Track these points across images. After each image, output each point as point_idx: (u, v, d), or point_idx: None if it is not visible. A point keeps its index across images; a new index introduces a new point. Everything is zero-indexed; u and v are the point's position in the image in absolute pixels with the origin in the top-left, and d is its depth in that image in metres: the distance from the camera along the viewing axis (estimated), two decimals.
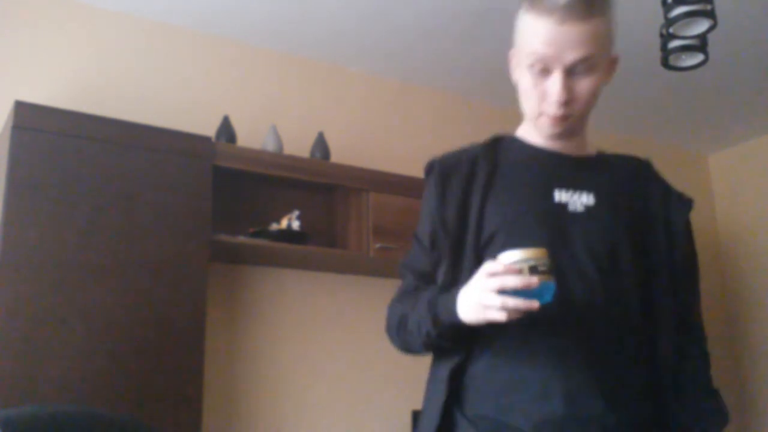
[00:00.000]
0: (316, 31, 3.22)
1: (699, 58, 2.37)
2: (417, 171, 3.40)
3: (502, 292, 1.03)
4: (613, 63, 1.27)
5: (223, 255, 2.81)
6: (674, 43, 2.33)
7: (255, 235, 2.80)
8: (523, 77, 1.23)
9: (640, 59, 3.47)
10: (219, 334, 2.87)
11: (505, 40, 3.63)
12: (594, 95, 1.21)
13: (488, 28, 3.22)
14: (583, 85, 1.19)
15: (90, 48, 2.94)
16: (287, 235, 2.83)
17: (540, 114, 1.22)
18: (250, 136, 3.06)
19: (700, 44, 2.32)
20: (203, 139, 2.65)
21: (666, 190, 1.34)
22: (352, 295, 3.25)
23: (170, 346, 2.39)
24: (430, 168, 1.31)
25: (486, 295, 1.04)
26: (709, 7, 2.17)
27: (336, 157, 3.17)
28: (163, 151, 2.53)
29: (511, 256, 1.06)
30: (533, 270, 1.04)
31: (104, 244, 2.36)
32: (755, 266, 4.40)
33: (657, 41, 2.45)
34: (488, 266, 1.06)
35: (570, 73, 1.17)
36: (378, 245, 2.96)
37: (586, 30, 1.14)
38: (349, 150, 3.33)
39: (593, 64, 1.17)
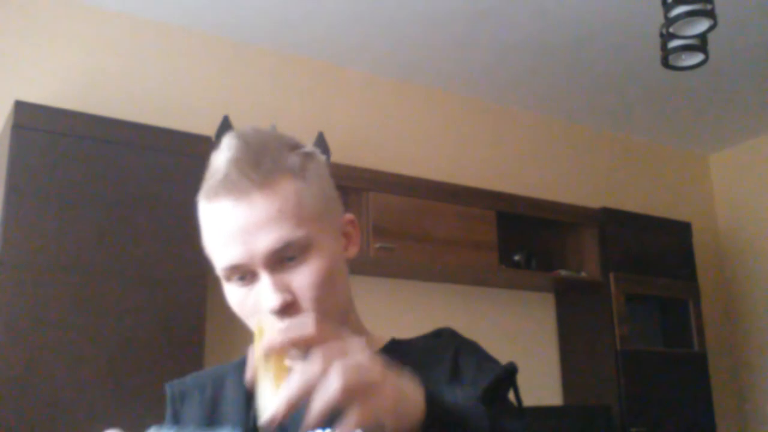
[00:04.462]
0: (316, 31, 3.22)
1: (699, 57, 2.37)
2: (417, 171, 3.42)
3: None
4: (349, 227, 0.91)
5: None
6: (674, 43, 2.33)
7: None
8: (226, 290, 0.87)
9: (640, 59, 3.47)
10: (219, 336, 2.87)
11: (505, 40, 3.64)
12: (327, 284, 0.83)
13: (488, 28, 3.22)
14: (303, 276, 0.81)
15: (90, 48, 2.94)
16: None
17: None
18: None
19: (700, 44, 2.32)
20: (203, 139, 2.65)
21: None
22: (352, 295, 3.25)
23: (170, 348, 2.39)
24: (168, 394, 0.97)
25: None
26: (709, 6, 2.17)
27: (336, 157, 3.17)
28: (163, 151, 2.53)
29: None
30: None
31: (104, 244, 2.36)
32: (756, 266, 4.40)
33: (657, 41, 2.45)
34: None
35: (277, 266, 0.81)
36: (378, 245, 2.96)
37: (273, 204, 0.79)
38: (349, 150, 3.33)
39: (306, 245, 0.81)
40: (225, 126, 2.91)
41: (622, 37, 3.30)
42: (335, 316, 0.85)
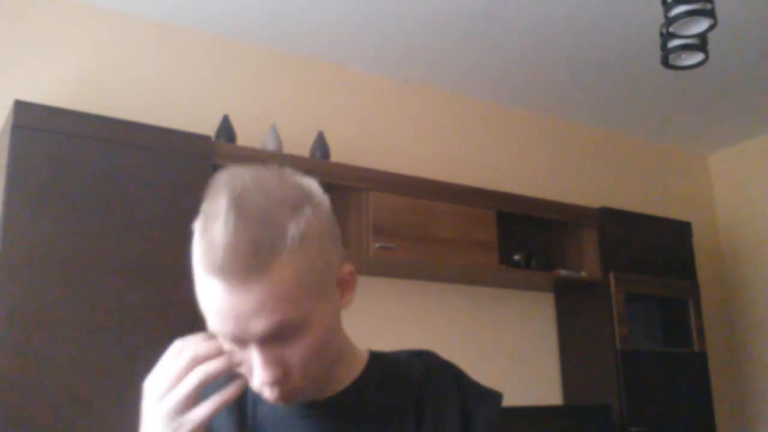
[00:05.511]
0: (316, 31, 3.23)
1: (699, 57, 2.37)
2: (417, 171, 3.42)
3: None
4: (347, 276, 0.88)
5: None
6: (674, 43, 2.33)
7: None
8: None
9: (640, 59, 3.47)
10: None
11: (505, 40, 3.64)
12: (321, 354, 0.83)
13: (488, 28, 3.22)
14: (296, 352, 0.81)
15: (90, 48, 2.94)
16: None
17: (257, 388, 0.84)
18: (250, 136, 3.06)
19: (700, 43, 2.32)
20: (203, 139, 2.65)
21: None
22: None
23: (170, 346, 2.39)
24: None
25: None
26: (709, 6, 2.17)
27: (336, 156, 3.17)
28: (163, 151, 2.53)
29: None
30: None
31: (104, 243, 2.36)
32: (755, 266, 4.40)
33: (657, 41, 2.45)
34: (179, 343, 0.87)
35: (271, 342, 0.79)
36: (378, 245, 2.96)
37: (268, 290, 0.77)
38: (349, 150, 3.33)
39: (302, 324, 0.79)
40: (225, 126, 2.92)
41: (622, 36, 3.30)
42: (326, 370, 0.86)
